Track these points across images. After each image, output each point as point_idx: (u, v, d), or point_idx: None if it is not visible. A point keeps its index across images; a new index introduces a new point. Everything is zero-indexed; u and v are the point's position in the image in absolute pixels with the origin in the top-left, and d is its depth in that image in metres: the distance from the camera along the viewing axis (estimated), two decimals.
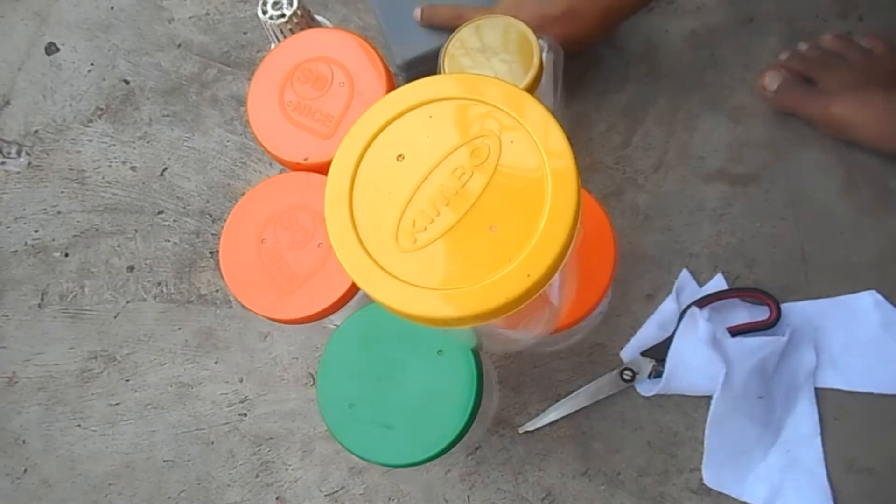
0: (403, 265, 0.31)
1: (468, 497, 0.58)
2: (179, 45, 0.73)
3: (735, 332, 0.56)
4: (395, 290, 0.31)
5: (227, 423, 0.62)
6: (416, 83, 0.34)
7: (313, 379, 0.62)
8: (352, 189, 0.32)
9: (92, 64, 0.74)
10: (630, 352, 0.59)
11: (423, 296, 0.31)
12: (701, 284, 0.59)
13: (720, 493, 0.55)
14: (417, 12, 0.61)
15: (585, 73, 0.66)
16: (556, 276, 0.31)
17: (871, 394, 0.55)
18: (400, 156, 0.32)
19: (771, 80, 0.61)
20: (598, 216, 0.50)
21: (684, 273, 0.59)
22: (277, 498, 0.60)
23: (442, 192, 0.32)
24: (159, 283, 0.67)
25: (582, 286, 0.49)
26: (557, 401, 0.58)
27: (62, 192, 0.71)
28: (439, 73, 0.50)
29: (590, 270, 0.49)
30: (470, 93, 0.33)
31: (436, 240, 0.31)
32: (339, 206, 0.32)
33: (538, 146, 0.32)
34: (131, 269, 0.68)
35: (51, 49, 0.75)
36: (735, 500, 0.55)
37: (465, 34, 0.50)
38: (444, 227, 0.31)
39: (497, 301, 0.30)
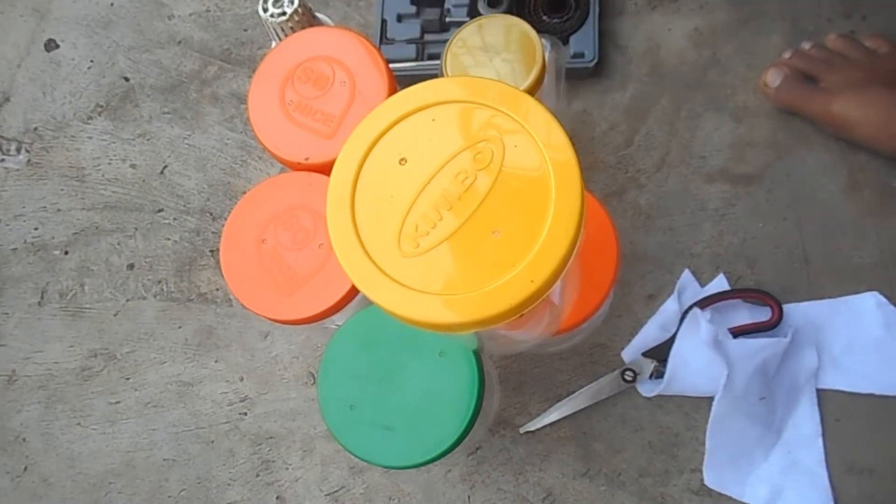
0: (406, 270, 0.31)
1: (469, 497, 0.58)
2: (179, 42, 0.73)
3: (737, 332, 0.56)
4: (396, 294, 0.31)
5: (227, 422, 0.62)
6: (419, 86, 0.33)
7: (314, 378, 0.62)
8: (354, 193, 0.32)
9: (92, 61, 0.74)
10: (631, 352, 0.58)
11: (426, 301, 0.30)
12: (703, 285, 0.59)
13: (721, 494, 0.55)
14: None
15: (587, 71, 0.65)
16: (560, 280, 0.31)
17: (872, 395, 0.55)
18: (402, 159, 0.32)
19: (773, 78, 0.61)
20: (600, 217, 0.50)
21: (686, 273, 0.59)
22: (278, 497, 0.60)
23: (445, 196, 0.31)
24: (159, 282, 0.67)
25: (584, 287, 0.49)
26: (558, 401, 0.58)
27: (62, 190, 0.70)
28: (441, 72, 0.50)
29: (592, 272, 0.49)
30: (472, 96, 0.33)
31: (438, 244, 0.31)
32: (340, 210, 0.32)
33: (541, 150, 0.31)
34: (131, 267, 0.67)
35: (50, 46, 0.75)
36: (736, 501, 0.55)
37: (467, 33, 0.49)
38: (446, 231, 0.31)
39: (500, 307, 0.30)
